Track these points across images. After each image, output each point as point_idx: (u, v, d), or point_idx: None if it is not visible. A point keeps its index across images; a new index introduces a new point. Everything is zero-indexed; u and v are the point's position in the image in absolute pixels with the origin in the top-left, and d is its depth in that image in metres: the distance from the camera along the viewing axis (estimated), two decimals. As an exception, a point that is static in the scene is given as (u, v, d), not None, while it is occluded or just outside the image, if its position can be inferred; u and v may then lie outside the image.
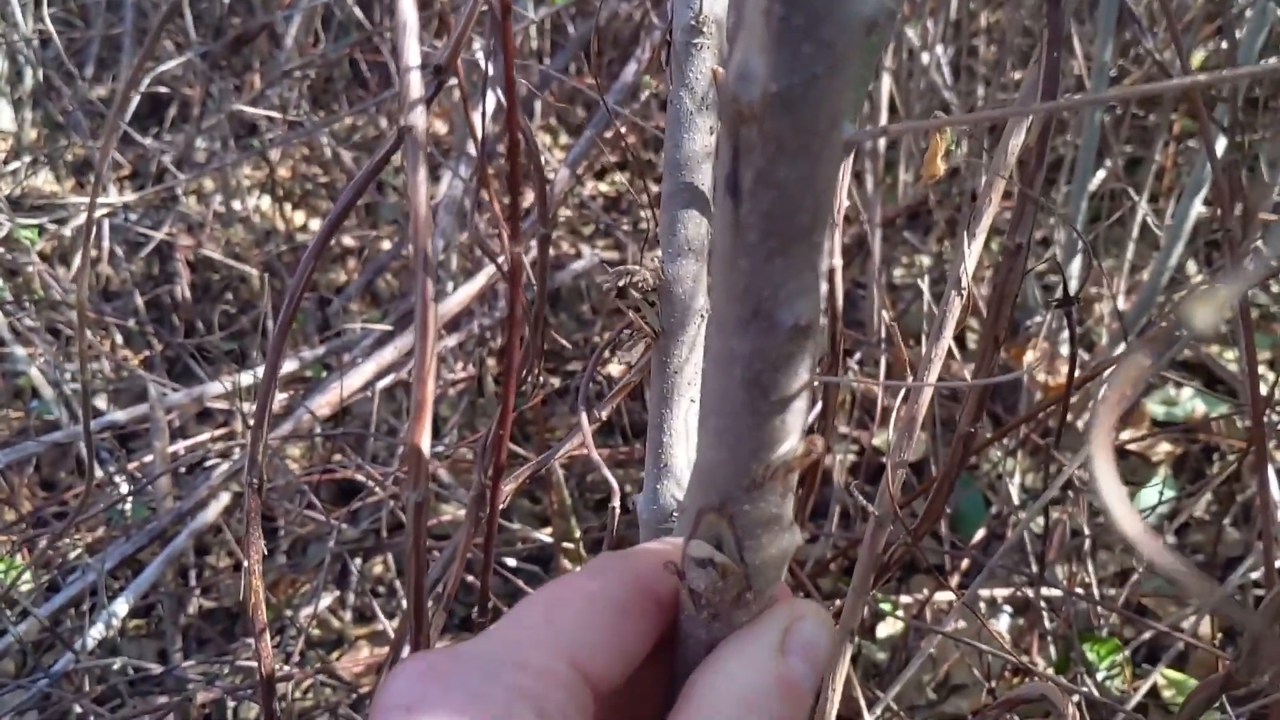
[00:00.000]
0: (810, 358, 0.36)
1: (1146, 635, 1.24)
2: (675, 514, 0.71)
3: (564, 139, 2.67)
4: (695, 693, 0.38)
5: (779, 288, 0.34)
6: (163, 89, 2.24)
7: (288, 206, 2.32)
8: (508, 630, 0.38)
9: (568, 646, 0.38)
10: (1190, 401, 1.67)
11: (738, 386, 0.36)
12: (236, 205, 2.24)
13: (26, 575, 1.39)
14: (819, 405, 0.98)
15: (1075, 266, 1.62)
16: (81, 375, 0.58)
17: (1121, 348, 1.18)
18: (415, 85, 0.43)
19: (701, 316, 0.64)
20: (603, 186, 2.57)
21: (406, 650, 0.59)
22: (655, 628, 0.41)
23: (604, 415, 0.81)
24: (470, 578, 1.27)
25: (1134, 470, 1.62)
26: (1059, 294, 0.66)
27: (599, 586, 0.41)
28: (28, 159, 1.67)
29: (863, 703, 0.97)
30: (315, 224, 2.40)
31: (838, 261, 0.90)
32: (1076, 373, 0.75)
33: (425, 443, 0.45)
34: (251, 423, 1.53)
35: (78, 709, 1.16)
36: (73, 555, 1.44)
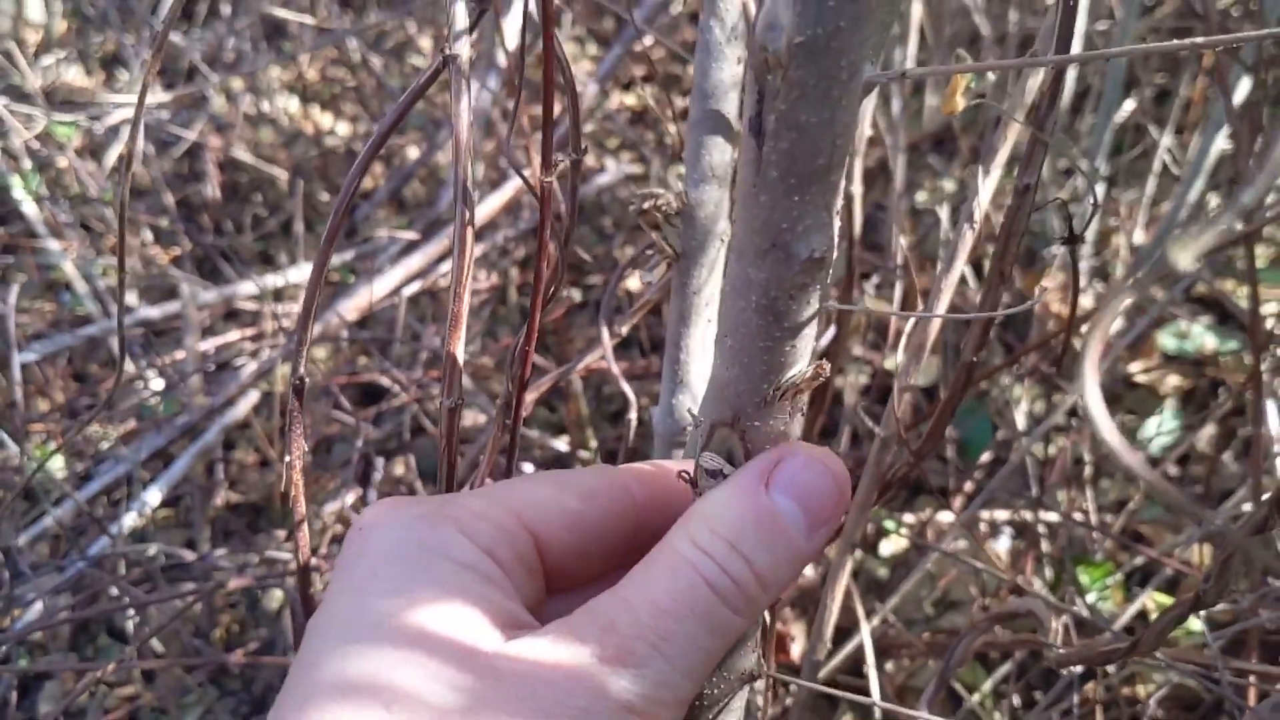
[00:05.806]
0: (821, 288, 0.39)
1: (1138, 561, 1.28)
2: (689, 428, 0.74)
3: (591, 49, 2.65)
4: (676, 524, 0.42)
5: (796, 222, 0.36)
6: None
7: (315, 109, 2.33)
8: (475, 491, 0.45)
9: (516, 505, 0.43)
10: (1201, 336, 1.69)
11: (753, 312, 0.39)
12: (265, 106, 2.26)
13: (59, 463, 1.44)
14: (832, 329, 1.01)
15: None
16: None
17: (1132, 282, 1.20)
18: (461, 15, 0.45)
19: (722, 240, 0.66)
20: (628, 99, 2.56)
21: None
22: (622, 516, 0.46)
23: (624, 331, 0.84)
24: (489, 481, 1.31)
25: (1141, 401, 1.65)
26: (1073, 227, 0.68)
27: (570, 475, 0.46)
28: (61, 54, 1.68)
29: (861, 613, 1.01)
30: (342, 127, 2.41)
31: (857, 188, 0.92)
32: (1088, 305, 0.77)
33: (460, 353, 0.48)
34: (282, 324, 1.55)
35: (113, 590, 1.22)
36: (104, 447, 1.49)
